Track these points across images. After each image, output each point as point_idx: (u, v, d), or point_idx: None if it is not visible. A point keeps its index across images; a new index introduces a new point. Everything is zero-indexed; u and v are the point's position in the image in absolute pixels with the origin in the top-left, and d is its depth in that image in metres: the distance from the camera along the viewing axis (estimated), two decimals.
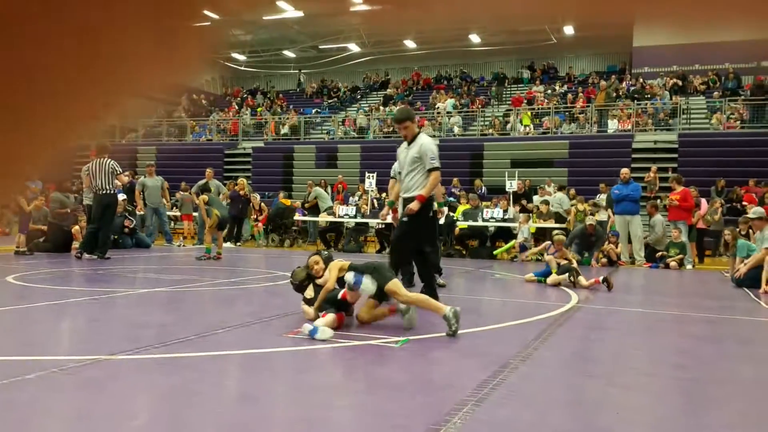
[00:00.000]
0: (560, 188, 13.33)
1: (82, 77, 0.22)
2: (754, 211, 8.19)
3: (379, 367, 3.29)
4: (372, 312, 4.29)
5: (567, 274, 7.22)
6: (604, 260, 10.61)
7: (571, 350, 3.84)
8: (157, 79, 0.25)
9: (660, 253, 10.81)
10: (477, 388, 2.75)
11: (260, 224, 14.07)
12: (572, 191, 14.20)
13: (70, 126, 0.24)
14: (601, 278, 7.06)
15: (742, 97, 19.27)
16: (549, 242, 8.09)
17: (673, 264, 10.43)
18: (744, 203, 12.82)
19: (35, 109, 0.22)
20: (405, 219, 5.36)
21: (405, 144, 5.53)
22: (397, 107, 5.86)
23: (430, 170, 5.39)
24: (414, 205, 5.27)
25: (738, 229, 9.02)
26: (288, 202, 14.76)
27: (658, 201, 12.26)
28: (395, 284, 4.20)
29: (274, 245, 13.82)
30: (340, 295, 4.20)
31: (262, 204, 14.30)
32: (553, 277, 7.31)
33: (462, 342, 3.90)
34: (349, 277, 4.04)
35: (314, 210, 14.44)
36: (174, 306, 5.37)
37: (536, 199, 13.46)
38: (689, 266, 10.55)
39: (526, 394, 2.78)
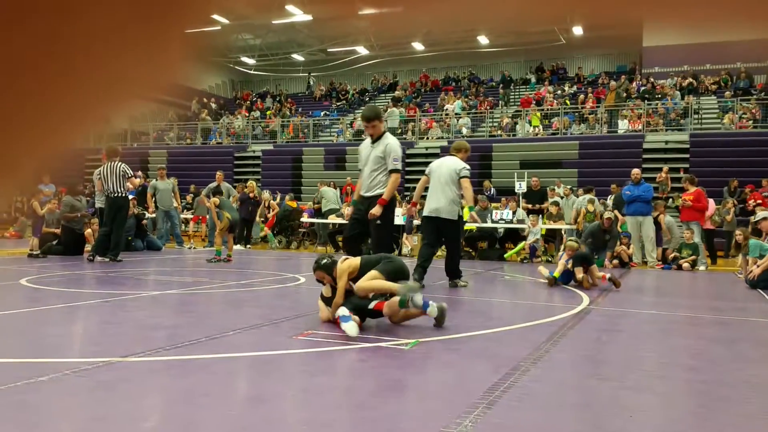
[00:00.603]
0: (588, 190, 13.24)
1: (70, 80, 0.22)
2: (760, 213, 8.19)
3: (389, 369, 3.28)
4: (403, 313, 4.23)
5: (582, 268, 7.16)
6: (616, 261, 10.54)
7: (583, 352, 3.82)
8: (148, 81, 0.24)
9: (672, 255, 10.73)
10: (488, 391, 2.74)
11: (267, 227, 14.09)
12: (580, 191, 14.14)
13: (60, 129, 0.24)
14: (607, 276, 7.09)
15: (755, 97, 19.10)
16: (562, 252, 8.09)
17: (685, 265, 10.35)
18: (756, 201, 12.68)
19: (24, 111, 0.22)
20: (378, 222, 5.54)
21: (369, 141, 5.60)
22: (366, 107, 6.04)
23: (391, 171, 5.47)
24: (377, 210, 5.43)
25: (749, 229, 8.96)
26: (294, 204, 14.77)
27: (669, 201, 12.17)
28: (368, 275, 4.15)
29: (281, 247, 13.87)
30: (373, 306, 4.13)
31: (271, 202, 14.29)
32: (579, 276, 7.22)
33: (472, 344, 3.89)
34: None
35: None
36: (185, 308, 5.39)
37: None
38: (702, 267, 10.46)
39: (538, 396, 2.76)
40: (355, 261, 4.33)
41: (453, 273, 7.01)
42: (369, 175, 5.52)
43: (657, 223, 11.36)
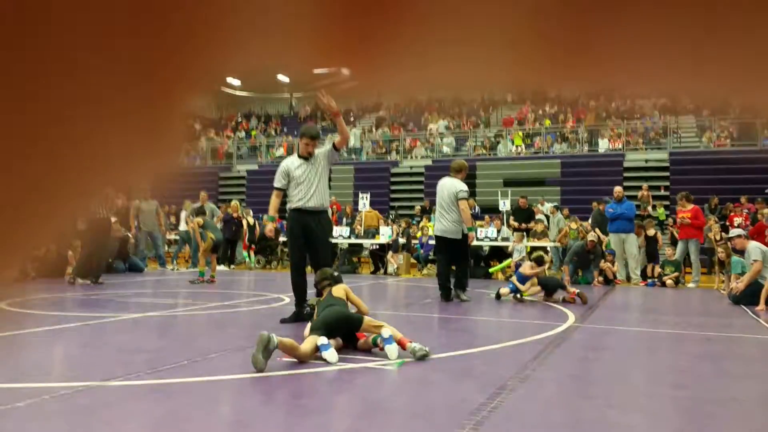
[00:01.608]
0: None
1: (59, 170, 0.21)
2: (734, 230, 8.36)
3: (376, 390, 3.24)
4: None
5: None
6: (601, 279, 10.60)
7: (569, 371, 3.81)
8: (149, 161, 0.23)
9: (657, 272, 10.82)
10: (475, 411, 2.72)
11: (246, 247, 13.99)
12: (565, 210, 14.25)
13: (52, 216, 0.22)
14: (576, 291, 7.38)
15: (731, 116, 19.51)
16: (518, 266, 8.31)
17: (669, 282, 10.42)
18: (735, 219, 12.84)
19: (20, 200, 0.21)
20: (329, 240, 5.85)
21: (296, 159, 5.73)
22: (306, 125, 6.12)
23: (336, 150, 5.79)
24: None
25: (730, 246, 9.08)
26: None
27: (645, 220, 12.22)
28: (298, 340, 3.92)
29: (260, 267, 13.78)
30: (358, 333, 4.09)
31: (248, 218, 14.15)
32: (530, 289, 7.61)
33: (459, 364, 3.86)
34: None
35: None
36: (167, 331, 5.30)
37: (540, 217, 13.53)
38: (692, 284, 10.51)
39: (525, 416, 2.74)
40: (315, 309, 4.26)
41: (457, 285, 7.52)
42: (315, 190, 5.62)
43: (652, 239, 11.41)
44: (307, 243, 5.67)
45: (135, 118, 0.21)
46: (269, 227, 6.32)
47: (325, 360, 3.68)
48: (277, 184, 5.86)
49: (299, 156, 5.77)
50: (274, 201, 6.01)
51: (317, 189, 5.64)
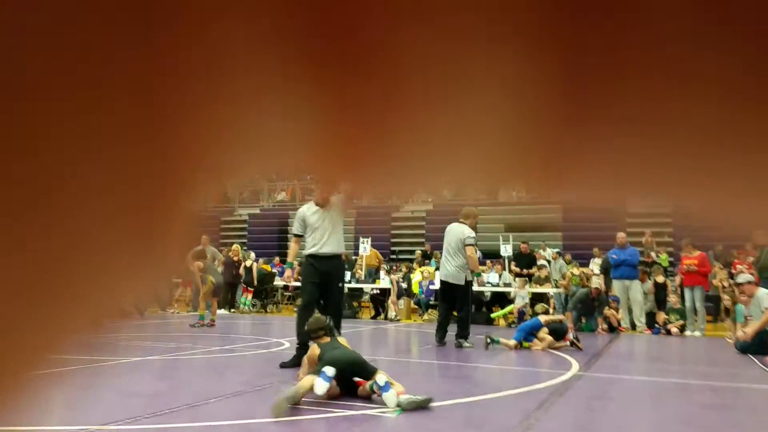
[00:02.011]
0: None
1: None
2: (742, 276, 8.25)
3: None
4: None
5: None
6: (605, 326, 10.48)
7: (574, 421, 3.74)
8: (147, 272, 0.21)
9: (663, 319, 10.69)
10: None
11: (244, 290, 13.92)
12: (567, 256, 14.22)
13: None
14: (571, 337, 7.35)
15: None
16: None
17: (674, 330, 10.29)
18: (738, 269, 12.75)
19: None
20: (340, 285, 5.90)
21: (312, 206, 5.87)
22: None
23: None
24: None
25: (737, 292, 9.00)
26: (269, 267, 14.67)
27: (652, 267, 12.12)
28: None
29: (256, 311, 13.69)
30: (356, 379, 4.03)
31: (246, 262, 14.06)
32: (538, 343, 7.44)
33: (461, 412, 3.80)
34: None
35: None
36: (166, 374, 5.24)
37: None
38: (698, 333, 10.35)
39: None
40: (317, 352, 4.19)
41: (459, 333, 7.48)
42: (329, 236, 5.71)
43: (661, 286, 11.29)
44: (320, 286, 5.71)
45: (131, 222, 0.20)
46: (288, 273, 6.50)
47: (312, 389, 3.66)
48: (294, 231, 6.05)
49: (315, 203, 5.88)
50: (293, 247, 6.25)
51: (331, 235, 5.76)
